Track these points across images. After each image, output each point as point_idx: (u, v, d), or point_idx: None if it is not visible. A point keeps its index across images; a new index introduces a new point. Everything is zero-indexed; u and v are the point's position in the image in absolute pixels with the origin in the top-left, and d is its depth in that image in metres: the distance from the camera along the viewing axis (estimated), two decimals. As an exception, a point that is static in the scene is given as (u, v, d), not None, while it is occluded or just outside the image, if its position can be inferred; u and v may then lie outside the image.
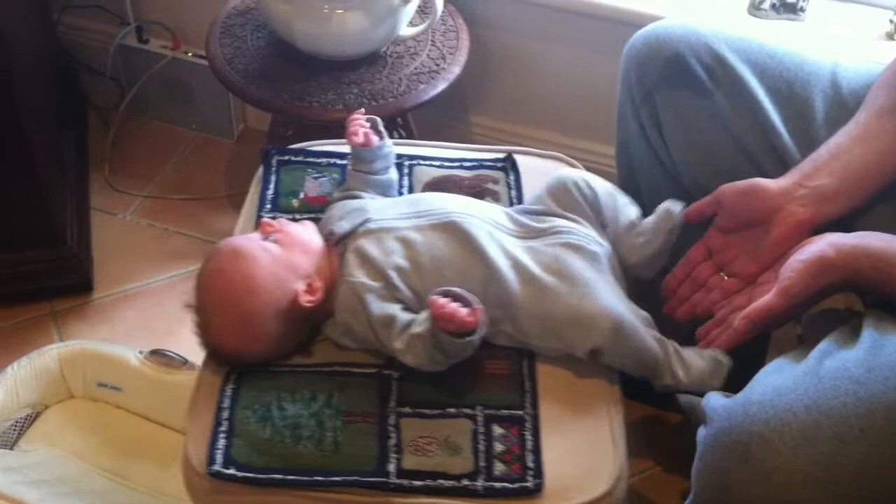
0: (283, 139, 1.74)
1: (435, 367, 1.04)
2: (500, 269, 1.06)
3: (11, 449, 1.44)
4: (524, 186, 1.26)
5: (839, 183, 1.09)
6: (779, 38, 1.24)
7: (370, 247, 1.08)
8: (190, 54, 2.01)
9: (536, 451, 1.01)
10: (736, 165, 1.18)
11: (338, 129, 1.45)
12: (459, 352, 1.03)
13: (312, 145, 1.33)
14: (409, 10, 1.61)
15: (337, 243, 1.11)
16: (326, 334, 1.10)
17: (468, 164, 1.29)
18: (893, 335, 0.93)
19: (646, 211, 1.18)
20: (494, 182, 1.26)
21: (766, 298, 1.01)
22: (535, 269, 1.07)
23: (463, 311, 0.99)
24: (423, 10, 1.67)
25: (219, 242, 1.12)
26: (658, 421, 1.46)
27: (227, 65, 1.65)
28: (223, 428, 1.03)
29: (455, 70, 1.65)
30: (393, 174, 1.22)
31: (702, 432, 0.93)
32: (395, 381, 1.06)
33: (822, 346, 0.95)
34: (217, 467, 0.99)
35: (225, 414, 1.04)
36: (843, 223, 1.09)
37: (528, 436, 1.02)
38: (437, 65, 1.66)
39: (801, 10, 1.64)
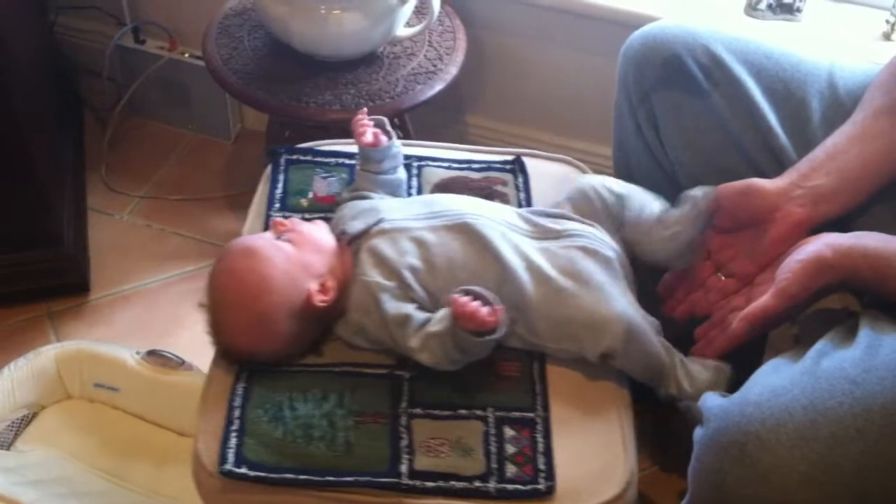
0: (280, 140, 1.74)
1: (451, 366, 1.04)
2: (515, 270, 1.06)
3: (8, 450, 1.43)
4: (532, 189, 1.26)
5: (836, 183, 1.09)
6: (776, 38, 1.24)
7: (384, 246, 1.08)
8: (187, 55, 2.01)
9: (548, 453, 1.01)
10: (733, 165, 1.19)
11: (335, 130, 1.46)
12: (478, 350, 1.03)
13: (320, 145, 1.33)
14: (407, 11, 1.61)
15: (349, 243, 1.11)
16: (338, 334, 1.10)
17: (477, 165, 1.29)
18: (890, 335, 0.93)
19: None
20: (503, 184, 1.26)
21: (763, 299, 1.01)
22: (551, 270, 1.07)
23: (484, 311, 1.00)
24: (420, 11, 1.67)
25: (231, 241, 1.12)
26: (655, 420, 1.46)
27: (224, 65, 1.65)
28: (235, 427, 1.02)
29: (452, 71, 1.65)
30: (401, 173, 1.22)
31: (698, 432, 0.93)
32: (407, 382, 1.06)
33: (819, 346, 0.95)
34: (229, 466, 0.99)
35: (237, 413, 1.04)
36: (841, 223, 1.09)
37: (540, 438, 1.02)
38: (435, 65, 1.66)
39: (798, 10, 1.64)
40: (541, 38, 1.80)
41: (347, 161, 1.28)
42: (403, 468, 0.99)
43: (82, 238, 1.86)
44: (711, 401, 0.95)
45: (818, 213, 1.09)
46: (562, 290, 1.06)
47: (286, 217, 1.17)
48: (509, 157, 1.31)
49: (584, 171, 1.31)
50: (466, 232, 1.09)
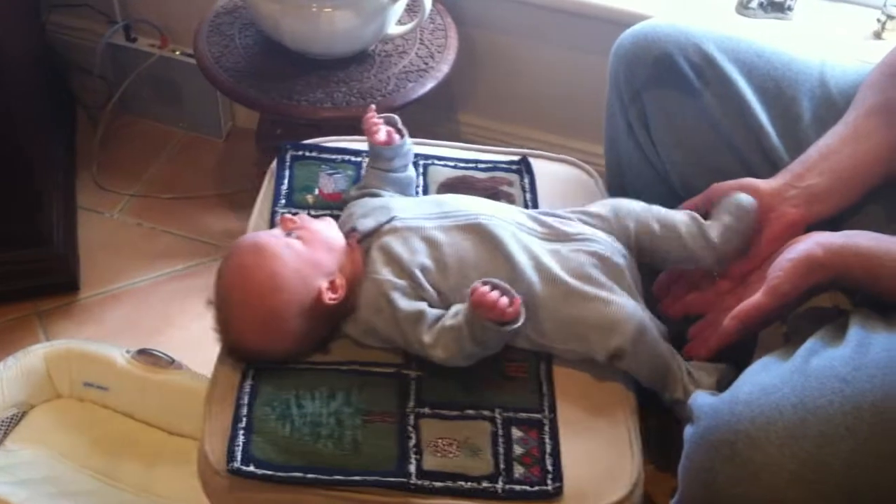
0: (271, 138, 1.74)
1: (464, 362, 1.03)
2: (524, 271, 1.06)
3: (-3, 449, 1.43)
4: (538, 190, 1.26)
5: (830, 183, 1.09)
6: (767, 37, 1.24)
7: (396, 245, 1.08)
8: (178, 53, 2.01)
9: (555, 454, 1.01)
10: (724, 164, 1.19)
11: (327, 128, 1.46)
12: (495, 343, 1.03)
13: (326, 141, 1.32)
14: (398, 9, 1.60)
15: (360, 241, 1.10)
16: (347, 332, 1.09)
17: (483, 165, 1.29)
18: (880, 333, 0.93)
19: None
20: (509, 184, 1.26)
21: (755, 298, 1.01)
22: (560, 272, 1.07)
23: (504, 301, 1.00)
24: (412, 9, 1.67)
25: (240, 237, 1.11)
26: (646, 419, 1.46)
27: (215, 63, 1.65)
28: (242, 425, 1.02)
29: (444, 69, 1.65)
30: (411, 171, 1.21)
31: (689, 431, 0.93)
32: (414, 381, 1.06)
33: (809, 344, 0.95)
34: (237, 464, 0.98)
35: (244, 411, 1.03)
36: (833, 222, 1.09)
37: (547, 439, 1.02)
38: (426, 63, 1.66)
39: (789, 8, 1.64)
40: (532, 36, 1.80)
41: (353, 158, 1.27)
42: (412, 468, 0.99)
43: (72, 237, 1.85)
44: (702, 399, 0.95)
45: (811, 213, 1.09)
46: (572, 291, 1.06)
47: (293, 213, 1.16)
48: (515, 158, 1.31)
49: (590, 174, 1.31)
50: (479, 232, 1.08)
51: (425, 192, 1.24)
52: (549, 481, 0.99)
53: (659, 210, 1.13)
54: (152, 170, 2.04)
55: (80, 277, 1.81)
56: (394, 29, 1.64)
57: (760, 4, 1.64)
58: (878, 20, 1.62)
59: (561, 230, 1.11)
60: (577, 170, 1.32)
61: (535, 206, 1.23)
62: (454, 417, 1.03)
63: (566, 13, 1.72)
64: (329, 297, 1.05)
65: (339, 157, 1.28)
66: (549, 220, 1.13)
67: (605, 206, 1.15)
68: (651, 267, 1.16)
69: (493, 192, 1.24)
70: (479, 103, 1.94)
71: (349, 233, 1.11)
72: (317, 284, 1.05)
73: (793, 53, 1.21)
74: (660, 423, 1.24)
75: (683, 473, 0.93)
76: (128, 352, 1.49)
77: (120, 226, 1.93)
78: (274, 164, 1.28)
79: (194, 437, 1.43)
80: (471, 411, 1.04)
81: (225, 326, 1.07)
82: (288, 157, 1.28)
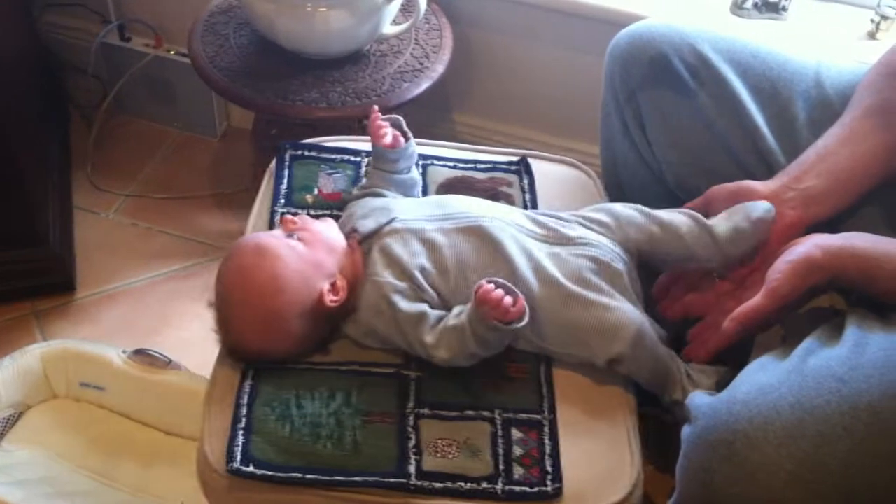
0: (266, 138, 1.74)
1: (466, 362, 1.04)
2: (523, 273, 1.06)
3: (-6, 449, 1.43)
4: (538, 191, 1.26)
5: (827, 184, 1.09)
6: (762, 37, 1.24)
7: (396, 247, 1.08)
8: (172, 52, 2.01)
9: (555, 455, 1.01)
10: (719, 165, 1.19)
11: (322, 128, 1.46)
12: (497, 342, 1.03)
13: (326, 140, 1.32)
14: (393, 9, 1.60)
15: (361, 242, 1.10)
16: (347, 333, 1.09)
17: (482, 166, 1.29)
18: (876, 334, 0.94)
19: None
20: (509, 185, 1.26)
21: (754, 300, 1.02)
22: (560, 276, 1.07)
23: (508, 299, 1.00)
24: (407, 9, 1.67)
25: (241, 238, 1.11)
26: (644, 419, 1.46)
27: (209, 63, 1.64)
28: (242, 425, 1.02)
29: (439, 69, 1.65)
30: (415, 173, 1.21)
31: (686, 430, 0.94)
32: (414, 382, 1.06)
33: (806, 344, 0.95)
34: (236, 465, 0.98)
35: (244, 411, 1.03)
36: (831, 224, 1.09)
37: (547, 440, 1.02)
38: (421, 63, 1.66)
39: (784, 9, 1.64)
40: (528, 36, 1.80)
41: (352, 158, 1.27)
42: (411, 468, 0.99)
43: (68, 237, 1.85)
44: (699, 399, 0.95)
45: (809, 214, 1.09)
46: (571, 295, 1.06)
47: (293, 213, 1.16)
48: (515, 158, 1.31)
49: (589, 175, 1.31)
50: (479, 235, 1.08)
51: (425, 192, 1.24)
52: (548, 482, 0.99)
53: (659, 213, 1.13)
54: (147, 170, 2.04)
55: (77, 277, 1.81)
56: (389, 29, 1.64)
57: (755, 5, 1.65)
58: (872, 20, 1.63)
59: (562, 233, 1.11)
60: (577, 171, 1.32)
61: (535, 206, 1.23)
62: (454, 418, 1.03)
63: (561, 13, 1.72)
64: (330, 298, 1.05)
65: (339, 156, 1.28)
66: (551, 222, 1.13)
67: (605, 211, 1.14)
68: (651, 269, 1.16)
69: (492, 193, 1.24)
70: (475, 103, 1.94)
71: (350, 234, 1.11)
72: (318, 286, 1.05)
73: (788, 54, 1.21)
74: (658, 425, 1.25)
75: (681, 473, 0.93)
76: (124, 352, 1.49)
77: (115, 226, 1.93)
78: (273, 163, 1.28)
79: (191, 437, 1.43)
80: (470, 412, 1.04)
81: (225, 327, 1.07)
82: (287, 157, 1.28)
